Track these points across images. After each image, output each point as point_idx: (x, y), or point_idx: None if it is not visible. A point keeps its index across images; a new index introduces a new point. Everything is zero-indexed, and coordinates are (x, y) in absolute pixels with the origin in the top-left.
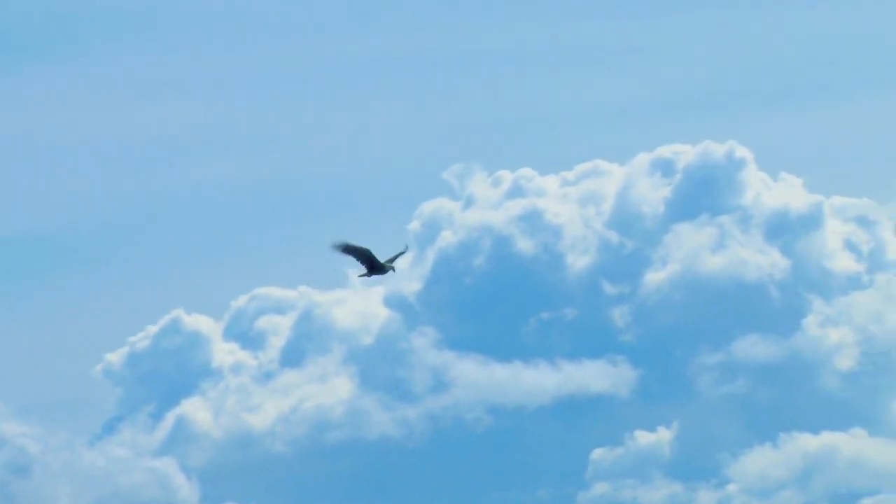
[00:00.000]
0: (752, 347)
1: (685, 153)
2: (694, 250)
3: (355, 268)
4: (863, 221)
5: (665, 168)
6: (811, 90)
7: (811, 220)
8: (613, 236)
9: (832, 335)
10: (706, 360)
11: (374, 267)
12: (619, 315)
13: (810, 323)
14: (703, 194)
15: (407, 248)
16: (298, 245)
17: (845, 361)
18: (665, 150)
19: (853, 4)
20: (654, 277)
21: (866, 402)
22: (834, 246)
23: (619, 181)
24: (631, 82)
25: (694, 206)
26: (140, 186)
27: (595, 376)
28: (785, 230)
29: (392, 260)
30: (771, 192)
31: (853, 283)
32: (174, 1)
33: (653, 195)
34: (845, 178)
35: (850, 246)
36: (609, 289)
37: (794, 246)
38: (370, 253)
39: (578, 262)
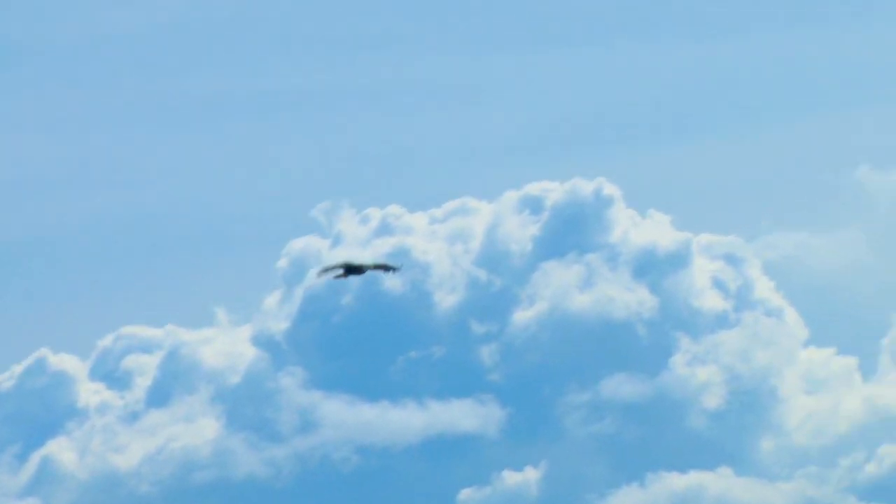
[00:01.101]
0: (620, 386)
1: (553, 191)
2: (562, 288)
3: (324, 275)
4: (730, 259)
5: (533, 206)
6: (679, 128)
7: (679, 258)
8: (482, 274)
9: (699, 374)
10: (574, 399)
11: (351, 269)
12: (487, 354)
13: (678, 361)
14: (571, 232)
15: (402, 265)
16: (165, 283)
17: (712, 400)
18: (533, 188)
19: (720, 46)
20: (522, 316)
21: (733, 440)
22: (702, 284)
23: (488, 219)
24: (498, 120)
25: (562, 244)
26: (2, 226)
27: (463, 415)
28: (653, 268)
29: (378, 266)
30: (639, 229)
31: (720, 322)
32: (41, 39)
33: (521, 233)
34: (713, 215)
35: (718, 284)
36: (477, 327)
37: (662, 284)
38: (346, 264)
39: (446, 300)
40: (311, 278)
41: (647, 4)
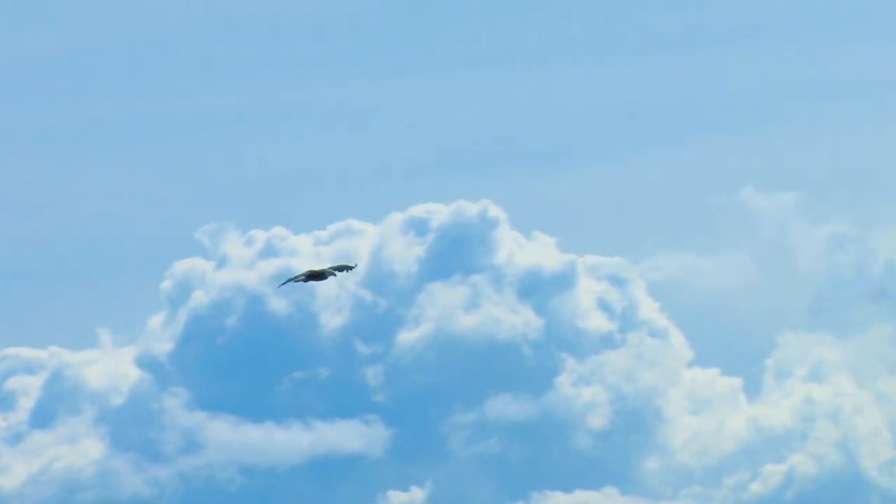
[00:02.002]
0: (505, 406)
1: (438, 212)
2: (447, 309)
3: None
4: (615, 280)
5: (418, 227)
6: (564, 151)
7: (564, 279)
8: (367, 295)
9: (584, 394)
10: (459, 420)
11: (312, 276)
12: (373, 374)
13: (563, 382)
14: (456, 253)
15: (356, 265)
16: (48, 304)
17: (597, 420)
18: (418, 210)
19: (605, 70)
20: (408, 337)
21: (618, 460)
22: (586, 305)
23: (373, 240)
24: (383, 142)
25: (447, 266)
26: None
27: (348, 436)
28: (538, 289)
29: (336, 268)
30: (524, 251)
31: (605, 342)
32: None
33: (406, 254)
34: (598, 237)
35: (603, 305)
36: (362, 348)
37: (547, 305)
38: (309, 272)
39: (332, 321)
40: (275, 288)
41: (532, 31)
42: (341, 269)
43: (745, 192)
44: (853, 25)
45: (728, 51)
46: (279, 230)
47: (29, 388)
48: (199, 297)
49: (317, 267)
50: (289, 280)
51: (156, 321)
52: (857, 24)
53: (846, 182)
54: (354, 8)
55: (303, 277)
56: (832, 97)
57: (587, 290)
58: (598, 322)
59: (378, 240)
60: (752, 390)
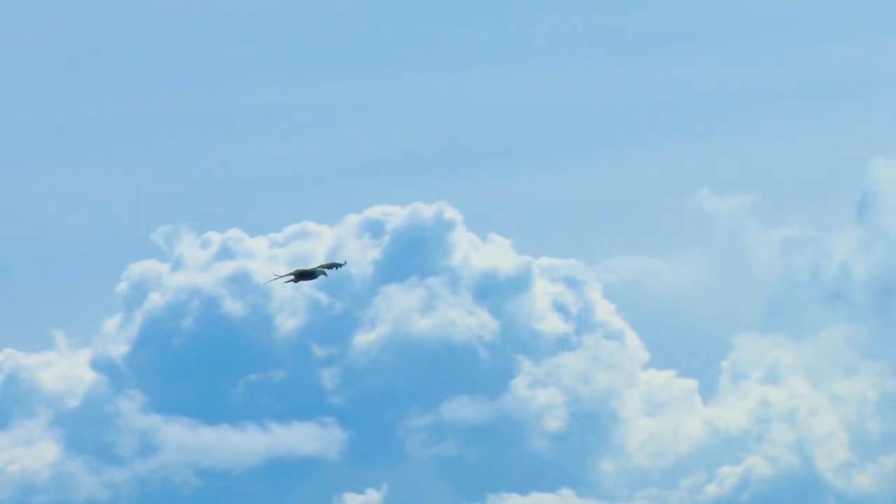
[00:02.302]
0: (462, 408)
1: (394, 215)
2: (403, 312)
3: (266, 280)
4: (571, 282)
5: (374, 229)
6: (519, 153)
7: (520, 282)
8: (323, 298)
9: (540, 396)
10: (415, 422)
11: (302, 275)
12: (329, 377)
13: (519, 384)
14: (412, 256)
15: (346, 262)
16: (2, 307)
17: (553, 422)
18: (374, 212)
19: (560, 71)
20: (364, 339)
21: (575, 462)
22: (542, 307)
23: (329, 242)
24: (339, 145)
25: (403, 268)
26: None
27: (304, 438)
28: (494, 291)
29: (325, 266)
30: (480, 253)
31: (561, 344)
32: None
33: (362, 257)
34: (553, 239)
35: (559, 307)
36: (318, 351)
37: (503, 307)
38: (297, 271)
39: (287, 323)
40: (262, 281)
41: (488, 33)
42: (331, 266)
43: (701, 194)
44: (809, 29)
45: (684, 53)
46: (235, 232)
47: None
48: (155, 300)
49: (306, 267)
50: (277, 277)
51: (111, 323)
52: (813, 28)
53: (801, 185)
54: (311, 12)
55: (292, 277)
56: (787, 100)
57: (543, 292)
58: (553, 324)
59: (334, 242)
60: (708, 392)
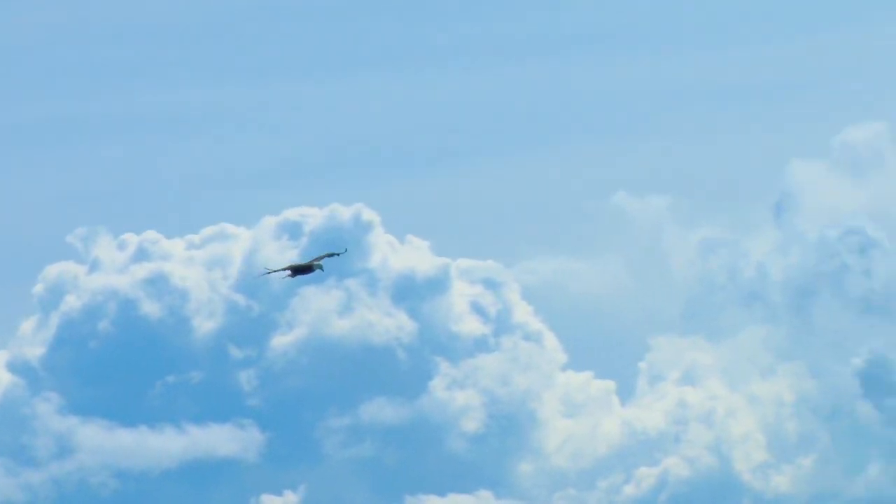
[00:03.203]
0: (380, 410)
1: (312, 216)
2: (321, 314)
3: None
4: (489, 284)
5: (292, 231)
6: (436, 155)
7: (438, 283)
8: (240, 300)
9: (459, 398)
10: (333, 423)
11: (299, 270)
12: (246, 379)
13: (437, 385)
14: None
15: (346, 250)
16: None
17: (472, 424)
18: (292, 213)
19: (478, 72)
20: (281, 341)
21: (493, 464)
22: (460, 308)
23: (246, 244)
24: (257, 146)
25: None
26: None
27: (222, 440)
28: (412, 293)
29: (321, 258)
30: (398, 254)
31: (479, 346)
32: None
33: (280, 258)
34: (471, 241)
35: (477, 308)
36: (236, 352)
37: (421, 308)
38: (291, 265)
39: (205, 325)
40: (257, 275)
41: (405, 33)
42: (330, 255)
43: (619, 196)
44: (727, 31)
45: (602, 55)
46: (151, 234)
47: None
48: (72, 302)
49: (302, 262)
50: (271, 272)
51: (27, 325)
52: (731, 30)
53: (718, 186)
54: (221, 11)
55: (289, 273)
56: (705, 102)
57: (461, 294)
58: (472, 326)
59: (251, 244)
60: (626, 393)
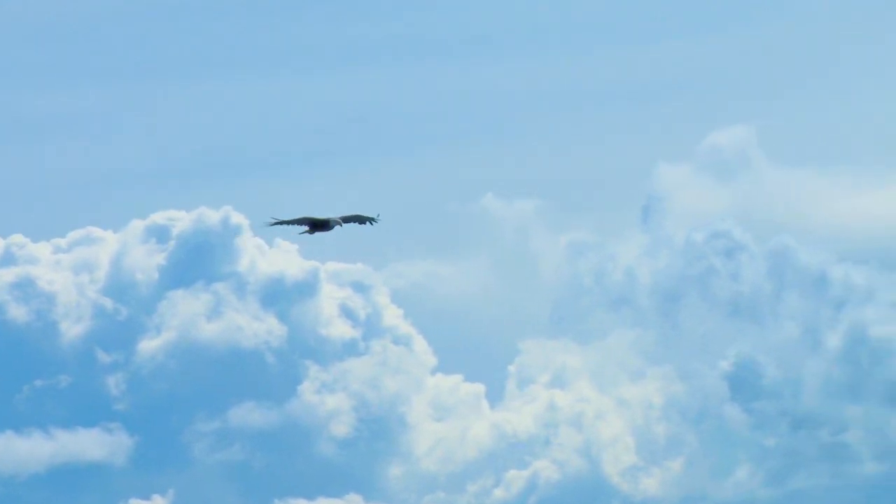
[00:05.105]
0: (249, 414)
1: (180, 220)
2: (189, 317)
3: (297, 229)
4: (358, 287)
5: (160, 235)
6: (304, 157)
7: (307, 287)
8: (108, 304)
9: (328, 401)
10: (202, 428)
11: (316, 225)
12: (114, 383)
13: (306, 389)
14: (198, 261)
15: (378, 215)
16: None
17: (341, 428)
18: (159, 217)
19: (343, 75)
20: (149, 345)
21: (362, 467)
22: (330, 312)
23: (114, 248)
24: (124, 149)
25: (189, 273)
26: None
27: (90, 444)
28: (281, 296)
29: (350, 219)
30: (267, 258)
31: (349, 350)
32: None
33: (147, 262)
34: (340, 244)
35: (346, 312)
36: (104, 357)
37: (290, 312)
38: (307, 218)
39: (72, 329)
40: (264, 224)
41: (268, 37)
42: (358, 220)
43: (486, 199)
44: (592, 33)
45: (469, 57)
46: (17, 238)
47: None
48: None
49: (321, 215)
50: (280, 222)
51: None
52: (597, 32)
53: (586, 189)
54: (84, 13)
55: (307, 228)
56: (572, 104)
57: (330, 298)
58: (341, 329)
59: (119, 247)
60: (495, 396)
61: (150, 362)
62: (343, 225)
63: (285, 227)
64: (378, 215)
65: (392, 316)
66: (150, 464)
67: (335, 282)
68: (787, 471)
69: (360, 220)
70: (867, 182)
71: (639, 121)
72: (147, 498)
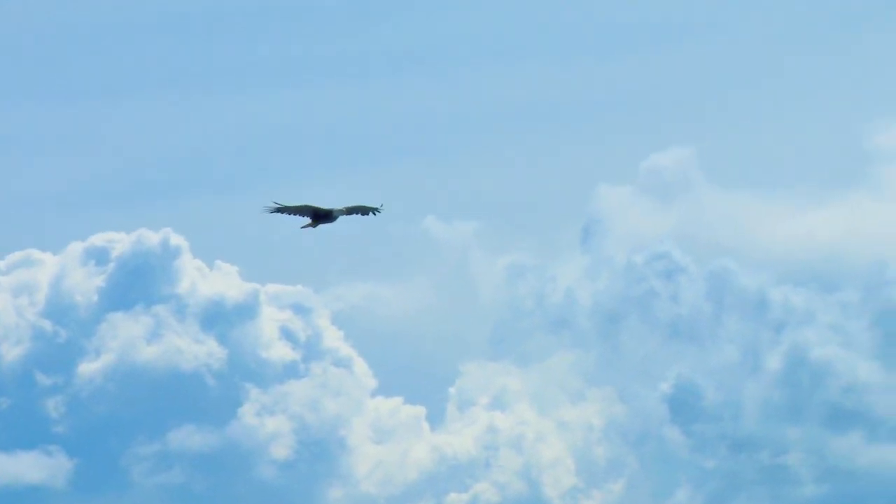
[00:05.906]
0: (189, 437)
1: (119, 241)
2: (129, 340)
3: (299, 220)
4: (298, 309)
5: (99, 257)
6: (244, 178)
7: (247, 309)
8: (47, 326)
9: (268, 424)
10: (142, 450)
11: (318, 216)
12: (53, 405)
13: (246, 412)
14: (137, 283)
15: (382, 205)
16: None
17: (281, 450)
18: (98, 239)
19: (280, 95)
20: (89, 368)
21: (302, 490)
22: (270, 334)
23: (53, 270)
24: (62, 170)
25: (129, 296)
26: None
27: (29, 467)
28: (221, 319)
29: (353, 210)
30: (206, 280)
31: (289, 372)
32: None
33: (87, 284)
34: (280, 266)
35: (287, 334)
36: (43, 379)
37: (230, 334)
38: (309, 207)
39: (11, 352)
40: (264, 210)
41: (211, 58)
42: (361, 210)
43: (427, 220)
44: (533, 52)
45: (408, 77)
46: None
47: None
48: None
49: (323, 205)
50: (283, 208)
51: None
52: (537, 51)
53: (526, 211)
54: (20, 32)
55: (310, 221)
56: (512, 125)
57: (270, 320)
58: (281, 351)
59: (58, 269)
60: (436, 419)
61: (90, 385)
62: (349, 214)
63: (288, 215)
64: (381, 205)
65: (332, 338)
66: (90, 486)
67: (275, 304)
68: (727, 493)
69: (364, 210)
70: (807, 204)
71: (579, 142)
72: None
